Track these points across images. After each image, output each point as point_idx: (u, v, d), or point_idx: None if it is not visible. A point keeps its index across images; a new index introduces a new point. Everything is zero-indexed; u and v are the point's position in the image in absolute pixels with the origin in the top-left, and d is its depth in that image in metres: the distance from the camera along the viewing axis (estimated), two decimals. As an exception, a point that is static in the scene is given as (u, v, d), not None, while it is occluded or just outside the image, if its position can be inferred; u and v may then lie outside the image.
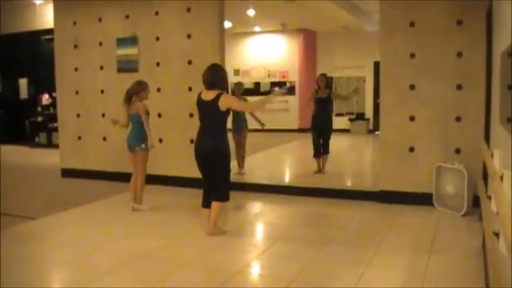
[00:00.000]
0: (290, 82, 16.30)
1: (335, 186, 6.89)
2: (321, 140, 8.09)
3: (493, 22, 4.80)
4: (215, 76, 4.74)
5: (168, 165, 7.46)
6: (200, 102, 4.77)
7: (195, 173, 5.09)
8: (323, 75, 8.20)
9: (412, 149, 6.01)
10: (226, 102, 4.64)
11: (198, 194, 5.04)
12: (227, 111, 4.74)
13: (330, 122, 8.27)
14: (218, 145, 4.72)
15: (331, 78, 15.98)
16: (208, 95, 4.69)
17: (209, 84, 4.71)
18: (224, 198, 4.83)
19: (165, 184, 7.32)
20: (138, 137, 5.80)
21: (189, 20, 7.25)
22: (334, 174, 8.12)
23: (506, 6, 2.97)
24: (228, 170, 4.88)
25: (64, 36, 8.30)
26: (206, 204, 4.91)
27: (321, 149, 8.11)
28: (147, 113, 5.82)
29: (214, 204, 4.81)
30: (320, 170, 8.12)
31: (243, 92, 8.43)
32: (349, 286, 3.57)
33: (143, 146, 5.81)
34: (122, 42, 7.77)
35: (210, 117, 4.72)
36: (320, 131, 8.10)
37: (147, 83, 5.91)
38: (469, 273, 3.82)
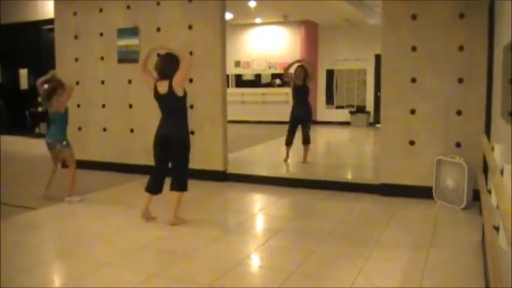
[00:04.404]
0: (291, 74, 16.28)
1: (335, 179, 6.90)
2: (302, 131, 8.31)
3: (495, 16, 4.78)
4: (168, 66, 4.74)
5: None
6: (158, 96, 4.81)
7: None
8: (302, 67, 8.36)
9: (412, 143, 6.01)
10: (177, 82, 4.68)
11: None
12: (185, 95, 4.78)
13: (309, 111, 8.44)
14: (181, 132, 4.83)
15: (333, 71, 16.03)
16: (163, 87, 4.74)
17: (162, 74, 4.75)
18: (185, 188, 4.92)
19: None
20: (58, 135, 5.92)
21: (190, 10, 7.21)
22: (334, 167, 8.13)
23: (508, 0, 2.95)
24: (188, 159, 4.96)
25: (65, 26, 8.27)
26: (151, 189, 4.97)
27: (293, 139, 8.35)
28: (66, 110, 5.96)
29: (175, 194, 4.89)
30: (287, 158, 8.37)
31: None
32: (349, 278, 3.58)
33: (64, 143, 5.91)
34: (122, 32, 7.74)
35: (171, 106, 4.79)
36: (299, 121, 8.31)
37: (62, 81, 6.01)
38: (468, 266, 3.83)
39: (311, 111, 8.52)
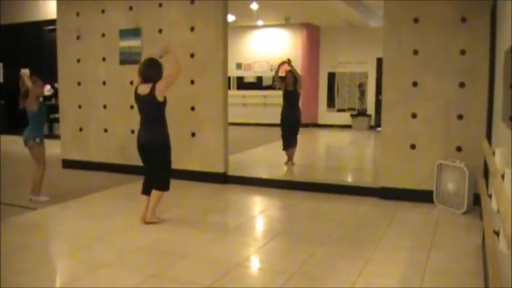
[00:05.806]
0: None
1: (335, 182, 6.89)
2: (290, 133, 8.41)
3: (497, 20, 4.78)
4: (151, 70, 4.85)
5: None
6: (138, 97, 4.92)
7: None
8: (291, 72, 8.42)
9: (413, 146, 6.01)
10: (160, 88, 4.79)
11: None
12: (165, 101, 4.89)
13: (298, 115, 8.53)
14: (157, 137, 4.90)
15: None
16: (144, 89, 4.84)
17: (145, 78, 4.87)
18: (164, 187, 4.98)
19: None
20: (33, 132, 5.91)
21: (192, 12, 7.22)
22: (334, 170, 8.12)
23: (510, 5, 2.96)
24: (169, 161, 5.02)
25: (67, 27, 8.28)
26: (145, 191, 5.06)
27: (289, 142, 8.42)
28: (39, 108, 5.90)
29: (154, 193, 4.96)
30: (289, 160, 8.43)
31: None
32: (349, 280, 3.58)
33: (37, 140, 5.92)
34: (125, 33, 7.75)
35: (149, 110, 4.90)
36: (288, 124, 8.43)
37: (37, 79, 5.97)
38: (468, 270, 3.82)
39: (300, 116, 8.61)
